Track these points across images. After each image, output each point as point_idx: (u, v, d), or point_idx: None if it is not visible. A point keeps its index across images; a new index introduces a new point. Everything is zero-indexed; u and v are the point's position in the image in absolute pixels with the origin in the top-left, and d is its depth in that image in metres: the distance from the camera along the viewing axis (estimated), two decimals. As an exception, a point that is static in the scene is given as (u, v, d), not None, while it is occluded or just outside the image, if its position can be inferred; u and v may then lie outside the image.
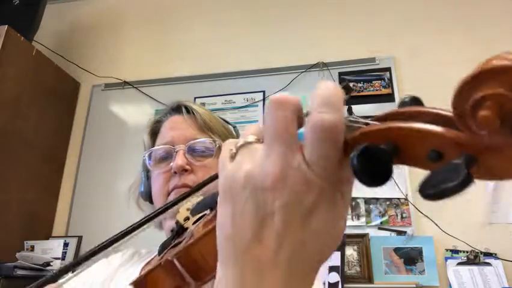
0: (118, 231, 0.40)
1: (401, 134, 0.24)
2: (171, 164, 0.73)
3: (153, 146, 0.80)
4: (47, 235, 2.33)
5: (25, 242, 2.14)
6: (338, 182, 0.27)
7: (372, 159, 0.23)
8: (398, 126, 0.24)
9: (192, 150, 0.75)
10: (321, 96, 0.26)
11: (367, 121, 0.26)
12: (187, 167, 0.72)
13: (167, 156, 0.76)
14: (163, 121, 0.82)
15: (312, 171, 0.25)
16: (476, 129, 0.21)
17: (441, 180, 0.21)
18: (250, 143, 0.29)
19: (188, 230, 0.50)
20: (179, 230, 0.53)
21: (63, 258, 2.14)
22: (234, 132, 0.84)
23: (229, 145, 0.31)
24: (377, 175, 0.23)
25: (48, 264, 1.95)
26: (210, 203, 0.47)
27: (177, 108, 0.81)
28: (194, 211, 0.50)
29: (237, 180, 0.27)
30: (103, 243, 0.39)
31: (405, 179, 1.98)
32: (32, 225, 2.26)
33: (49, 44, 2.65)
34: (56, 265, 1.99)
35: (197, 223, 0.48)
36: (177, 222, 0.53)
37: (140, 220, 0.42)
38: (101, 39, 2.82)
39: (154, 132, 0.83)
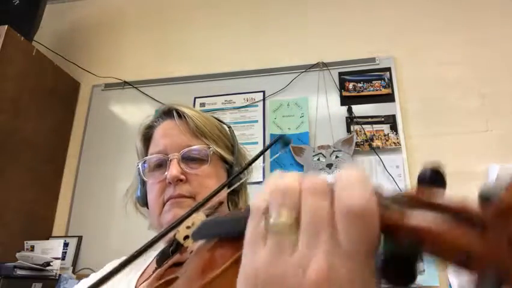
0: (126, 257, 0.37)
1: (431, 236, 0.22)
2: (165, 173, 0.72)
3: (146, 152, 0.79)
4: (47, 235, 2.33)
5: (25, 242, 2.14)
6: (369, 260, 0.24)
7: (399, 269, 0.23)
8: (429, 229, 0.23)
9: (185, 159, 0.73)
10: (348, 179, 0.24)
11: (399, 196, 0.25)
12: (182, 176, 0.71)
13: (162, 165, 0.75)
14: (155, 126, 0.80)
15: (352, 260, 0.24)
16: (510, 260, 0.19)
17: None
18: (286, 227, 0.25)
19: (189, 251, 0.50)
20: (178, 245, 0.53)
21: (63, 258, 2.14)
22: (229, 133, 0.83)
23: (256, 214, 0.27)
24: (401, 282, 0.23)
25: (48, 264, 1.95)
26: (212, 233, 0.46)
27: (168, 113, 0.79)
28: (196, 236, 0.49)
29: (273, 279, 0.24)
30: (121, 263, 0.36)
31: (406, 179, 1.99)
32: (32, 225, 2.25)
33: (49, 44, 2.65)
34: (56, 265, 1.99)
35: (199, 248, 0.48)
36: (176, 239, 0.53)
37: (148, 243, 0.40)
38: (101, 39, 2.82)
39: (146, 138, 0.81)
